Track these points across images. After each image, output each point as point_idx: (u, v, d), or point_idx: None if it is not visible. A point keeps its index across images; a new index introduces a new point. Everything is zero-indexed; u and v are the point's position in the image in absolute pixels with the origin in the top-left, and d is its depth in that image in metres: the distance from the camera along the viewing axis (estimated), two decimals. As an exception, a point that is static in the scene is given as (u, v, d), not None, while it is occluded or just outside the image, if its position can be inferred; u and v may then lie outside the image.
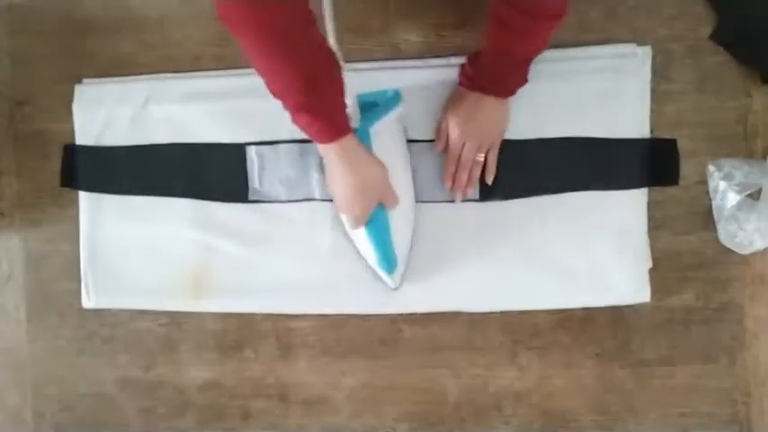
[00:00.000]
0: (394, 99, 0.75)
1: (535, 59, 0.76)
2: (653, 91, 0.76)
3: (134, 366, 0.85)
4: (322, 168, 0.79)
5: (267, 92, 0.80)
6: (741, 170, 0.74)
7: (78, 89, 0.85)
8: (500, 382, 0.80)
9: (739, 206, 0.73)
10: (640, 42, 0.76)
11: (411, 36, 0.79)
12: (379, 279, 0.78)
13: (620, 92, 0.76)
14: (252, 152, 0.81)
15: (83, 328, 0.86)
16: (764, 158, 0.75)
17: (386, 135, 0.74)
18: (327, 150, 0.66)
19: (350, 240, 0.79)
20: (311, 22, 0.59)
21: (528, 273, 0.77)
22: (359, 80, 0.78)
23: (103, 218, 0.84)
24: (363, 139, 0.69)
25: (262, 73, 0.60)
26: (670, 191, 0.77)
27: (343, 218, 0.75)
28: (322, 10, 0.65)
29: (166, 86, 0.83)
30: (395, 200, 0.72)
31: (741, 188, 0.73)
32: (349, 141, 0.65)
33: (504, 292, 0.78)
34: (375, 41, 0.80)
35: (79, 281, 0.85)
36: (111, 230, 0.84)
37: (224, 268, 0.82)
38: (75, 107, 0.85)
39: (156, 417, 0.85)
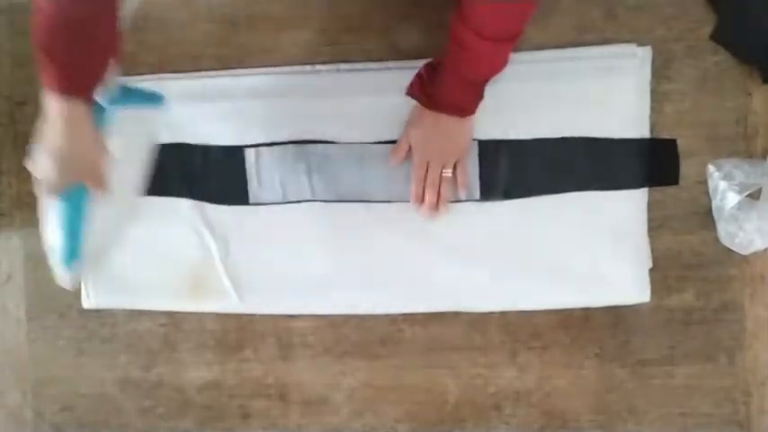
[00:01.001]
0: (156, 98, 0.73)
1: (535, 60, 0.76)
2: (653, 91, 0.76)
3: (134, 366, 0.85)
4: (320, 170, 0.79)
5: (266, 92, 0.81)
6: (741, 170, 0.74)
7: (78, 89, 0.85)
8: (500, 382, 0.80)
9: (739, 206, 0.73)
10: (640, 42, 0.76)
11: (411, 36, 0.79)
12: (381, 280, 0.78)
13: (621, 92, 0.76)
14: (251, 154, 0.81)
15: (83, 328, 0.86)
16: (764, 158, 0.75)
17: (130, 129, 0.70)
18: (53, 102, 0.59)
19: (350, 242, 0.79)
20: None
21: (528, 273, 0.77)
22: (359, 80, 0.79)
23: (103, 218, 0.84)
24: (99, 113, 0.64)
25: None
26: (670, 191, 0.77)
27: (41, 185, 0.65)
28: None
29: (166, 87, 0.83)
30: (102, 185, 0.65)
31: (741, 188, 0.73)
32: (79, 106, 0.60)
33: (505, 292, 0.78)
34: (375, 41, 0.80)
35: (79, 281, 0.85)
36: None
37: (224, 268, 0.82)
38: (75, 107, 0.85)
39: (156, 417, 0.85)
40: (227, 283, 0.82)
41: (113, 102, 0.67)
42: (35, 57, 0.58)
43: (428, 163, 0.74)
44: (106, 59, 0.62)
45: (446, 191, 0.75)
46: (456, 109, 0.70)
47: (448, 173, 0.75)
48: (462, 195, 0.76)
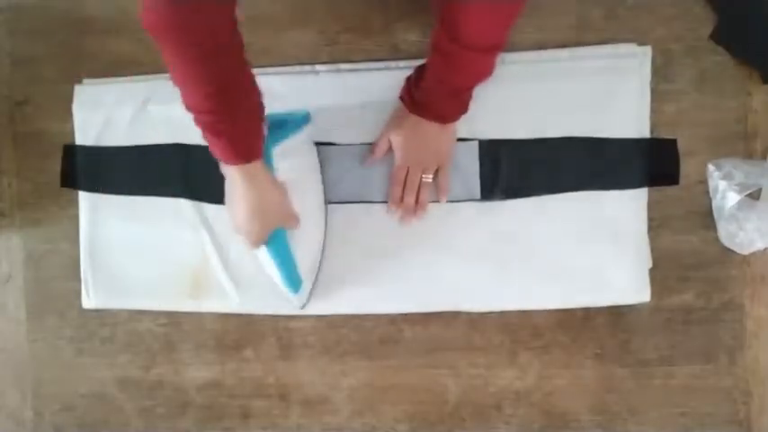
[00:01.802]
0: (302, 119, 0.75)
1: (536, 60, 0.76)
2: (653, 91, 0.76)
3: (134, 366, 0.85)
4: (321, 170, 0.79)
5: (266, 92, 0.80)
6: (741, 170, 0.74)
7: (78, 89, 0.85)
8: (500, 382, 0.80)
9: (739, 206, 0.73)
10: (640, 42, 0.76)
11: (411, 36, 0.79)
12: (381, 280, 0.78)
13: (621, 92, 0.76)
14: None
15: (83, 328, 0.86)
16: (764, 158, 0.75)
17: (294, 155, 0.73)
18: (230, 170, 0.65)
19: (350, 242, 0.79)
20: (238, 43, 0.58)
21: (528, 273, 0.77)
22: (359, 80, 0.79)
23: (103, 218, 0.84)
24: (266, 158, 0.68)
25: (177, 85, 0.59)
26: (670, 191, 0.77)
27: (241, 238, 0.71)
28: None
29: (166, 87, 0.82)
30: (295, 222, 0.71)
31: (741, 188, 0.73)
32: (256, 165, 0.64)
33: (504, 292, 0.78)
34: (375, 41, 0.80)
35: (79, 281, 0.85)
36: (111, 230, 0.84)
37: (224, 269, 0.82)
38: (75, 107, 0.85)
39: (156, 417, 0.85)
40: (227, 283, 0.82)
41: (274, 140, 0.70)
42: (204, 137, 0.61)
43: (408, 166, 0.74)
44: (261, 119, 0.65)
45: (425, 196, 0.75)
46: (436, 116, 0.70)
47: (428, 178, 0.74)
48: (443, 201, 0.76)
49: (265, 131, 0.67)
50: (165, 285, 0.83)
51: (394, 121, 0.74)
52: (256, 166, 0.65)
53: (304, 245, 0.74)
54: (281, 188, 0.69)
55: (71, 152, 0.86)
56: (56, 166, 0.86)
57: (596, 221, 0.76)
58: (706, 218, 0.76)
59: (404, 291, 0.79)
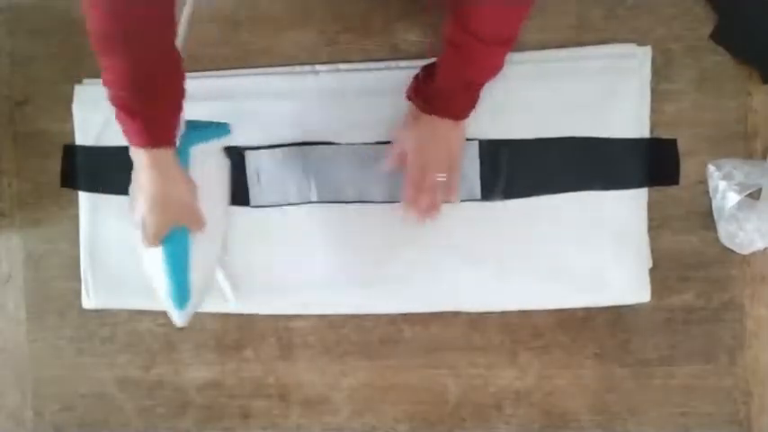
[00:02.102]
0: (222, 128, 0.75)
1: (536, 60, 0.76)
2: (653, 91, 0.76)
3: (134, 366, 0.85)
4: (321, 172, 0.79)
5: (266, 92, 0.81)
6: (741, 170, 0.74)
7: (78, 89, 0.85)
8: (500, 382, 0.80)
9: (739, 206, 0.73)
10: (640, 42, 0.76)
11: (411, 36, 0.79)
12: (381, 280, 0.78)
13: (620, 92, 0.76)
14: (251, 157, 0.81)
15: (83, 328, 0.86)
16: (764, 158, 0.75)
17: (207, 161, 0.72)
18: (139, 154, 0.63)
19: (351, 242, 0.79)
20: (168, 23, 0.58)
21: (528, 273, 0.77)
22: (359, 80, 0.79)
23: (103, 218, 0.84)
24: (181, 156, 0.67)
25: (100, 61, 0.59)
26: (670, 191, 0.77)
27: (139, 233, 0.69)
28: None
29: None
30: (200, 224, 0.69)
31: (741, 188, 0.73)
32: (165, 153, 0.63)
33: (504, 292, 0.78)
34: (375, 41, 0.80)
35: (79, 281, 0.85)
36: (111, 230, 0.84)
37: (224, 269, 0.82)
38: (75, 107, 0.85)
39: (156, 417, 0.85)
40: (226, 283, 0.82)
41: (187, 141, 0.69)
42: (117, 117, 0.61)
43: (422, 167, 0.74)
44: (180, 105, 0.64)
45: (440, 196, 0.75)
46: (450, 113, 0.69)
47: (442, 177, 0.74)
48: (455, 201, 0.76)
49: (183, 129, 0.67)
50: (165, 285, 0.83)
51: (406, 124, 0.73)
52: (167, 153, 0.63)
53: (200, 258, 0.71)
54: (190, 184, 0.68)
55: (71, 152, 0.86)
56: (56, 166, 0.86)
57: (596, 221, 0.76)
58: (706, 218, 0.76)
59: (404, 291, 0.79)
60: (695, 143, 0.76)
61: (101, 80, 0.60)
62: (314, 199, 0.80)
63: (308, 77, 0.80)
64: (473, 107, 0.70)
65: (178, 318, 0.72)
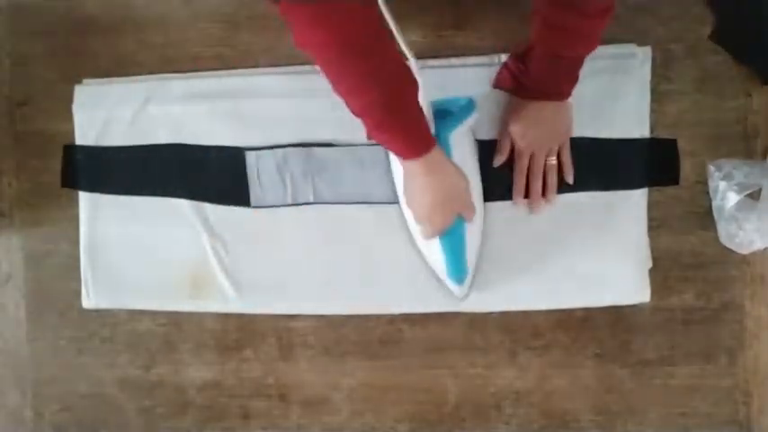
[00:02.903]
0: (468, 107, 0.73)
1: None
2: (653, 91, 0.76)
3: (134, 366, 0.85)
4: (321, 172, 0.79)
5: (266, 92, 0.81)
6: (741, 170, 0.74)
7: (78, 89, 0.85)
8: (500, 382, 0.80)
9: (739, 206, 0.73)
10: (640, 42, 0.76)
11: (411, 36, 0.79)
12: (381, 280, 0.78)
13: (620, 92, 0.76)
14: (252, 158, 0.81)
15: (83, 328, 0.86)
16: (764, 158, 0.75)
17: (460, 142, 0.72)
18: (411, 164, 0.64)
19: (351, 243, 0.79)
20: (383, 35, 0.58)
21: (528, 273, 0.77)
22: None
23: (103, 218, 0.84)
24: (444, 147, 0.67)
25: (341, 94, 0.59)
26: (670, 191, 0.77)
27: (415, 228, 0.73)
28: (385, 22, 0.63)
29: (166, 87, 0.83)
30: (473, 212, 0.71)
31: (741, 188, 0.73)
32: (434, 154, 0.64)
33: (504, 292, 0.78)
34: (375, 41, 0.80)
35: (79, 281, 0.85)
36: (111, 230, 0.84)
37: (224, 269, 0.82)
38: (75, 107, 0.85)
39: (156, 417, 0.85)
40: (226, 283, 0.82)
41: (445, 129, 0.69)
42: (375, 137, 0.62)
43: (532, 153, 0.73)
44: (417, 102, 0.63)
45: (553, 179, 0.74)
46: (556, 93, 0.69)
47: (553, 160, 0.74)
48: (570, 180, 0.75)
49: (431, 117, 0.67)
50: (165, 285, 0.83)
51: (511, 115, 0.73)
52: (436, 153, 0.64)
53: (471, 235, 0.73)
54: (463, 175, 0.69)
55: (71, 152, 0.85)
56: (56, 166, 0.86)
57: (596, 222, 0.76)
58: (706, 218, 0.76)
59: (404, 291, 0.79)
60: (695, 143, 0.76)
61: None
62: (314, 200, 0.80)
63: (309, 77, 0.80)
64: (576, 83, 0.69)
65: (459, 292, 0.75)
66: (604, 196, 0.76)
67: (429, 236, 0.70)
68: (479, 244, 0.77)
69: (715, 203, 0.76)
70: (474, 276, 0.76)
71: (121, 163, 0.84)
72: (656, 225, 0.77)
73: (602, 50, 0.76)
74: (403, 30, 0.80)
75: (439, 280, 0.77)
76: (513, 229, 0.77)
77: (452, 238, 0.70)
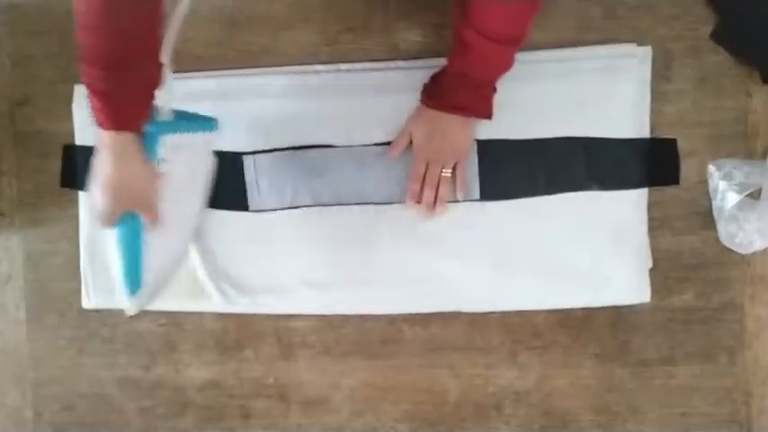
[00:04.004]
0: (208, 123, 0.73)
1: (536, 60, 0.76)
2: (653, 91, 0.76)
3: (134, 366, 0.85)
4: (319, 174, 0.79)
5: (266, 93, 0.81)
6: (741, 170, 0.74)
7: (78, 89, 0.85)
8: (500, 382, 0.80)
9: (739, 206, 0.73)
10: (640, 42, 0.76)
11: (411, 36, 0.79)
12: (381, 280, 0.78)
13: (621, 92, 0.76)
14: (250, 162, 0.81)
15: (83, 328, 0.86)
16: (764, 158, 0.75)
17: (183, 153, 0.70)
18: (102, 135, 0.63)
19: (351, 243, 0.79)
20: (153, 8, 0.58)
21: (528, 273, 0.77)
22: (359, 80, 0.79)
23: (103, 218, 0.84)
24: (150, 142, 0.66)
25: (79, 37, 0.58)
26: (670, 191, 0.77)
27: (96, 216, 0.68)
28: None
29: (166, 87, 0.83)
30: (152, 215, 0.68)
31: (741, 188, 0.73)
32: (126, 138, 0.63)
33: (504, 292, 0.78)
34: (375, 41, 0.80)
35: (79, 281, 0.85)
36: (111, 230, 0.84)
37: (224, 269, 0.82)
38: (75, 107, 0.85)
39: (156, 417, 0.85)
40: (226, 284, 0.81)
41: (164, 129, 0.68)
42: (88, 95, 0.61)
43: (428, 162, 0.74)
44: (151, 91, 0.64)
45: (445, 191, 0.75)
46: (456, 108, 0.70)
47: (447, 173, 0.74)
48: (460, 197, 0.76)
49: (163, 117, 0.67)
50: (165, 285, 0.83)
51: (414, 118, 0.74)
52: (128, 138, 0.63)
53: (159, 250, 0.70)
54: (150, 173, 0.67)
55: (71, 152, 0.85)
56: (56, 166, 0.86)
57: (596, 222, 0.76)
58: (706, 218, 0.76)
59: (404, 291, 0.79)
60: (695, 143, 0.76)
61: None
62: (312, 202, 0.80)
63: (308, 77, 0.80)
64: (483, 104, 0.70)
65: (128, 303, 0.70)
66: (604, 196, 0.76)
67: (101, 222, 0.66)
68: (172, 264, 0.75)
69: (715, 203, 0.76)
70: (153, 295, 0.72)
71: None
72: (656, 225, 0.77)
73: (602, 50, 0.76)
74: (403, 29, 0.80)
75: (439, 279, 0.78)
76: (513, 229, 0.77)
77: (125, 235, 0.67)
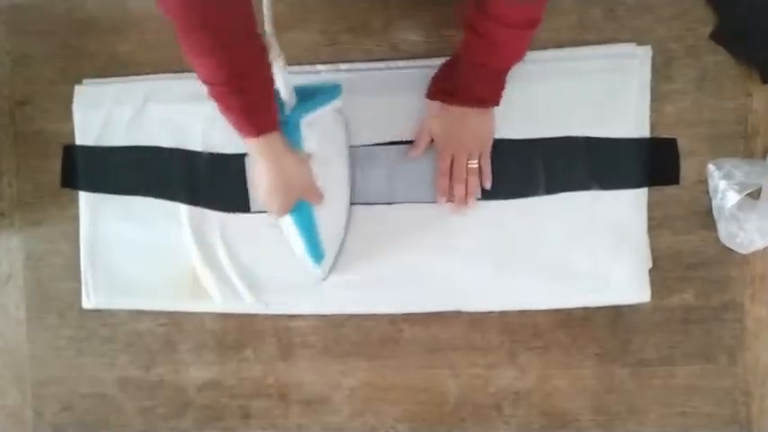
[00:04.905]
0: (333, 91, 0.74)
1: (536, 60, 0.76)
2: (653, 91, 0.76)
3: (134, 366, 0.85)
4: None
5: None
6: (741, 170, 0.74)
7: (78, 89, 0.85)
8: (500, 382, 0.80)
9: (739, 206, 0.73)
10: (640, 42, 0.76)
11: (411, 36, 0.79)
12: (381, 280, 0.78)
13: (620, 92, 0.76)
14: (252, 163, 0.81)
15: (83, 328, 0.86)
16: (764, 158, 0.75)
17: (321, 127, 0.72)
18: (250, 144, 0.65)
19: (351, 243, 0.79)
20: (248, 10, 0.58)
21: (528, 273, 0.77)
22: (359, 80, 0.79)
23: (103, 218, 0.84)
24: (293, 129, 0.68)
25: (187, 54, 0.59)
26: (670, 190, 0.77)
27: (271, 214, 0.73)
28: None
29: (166, 87, 0.83)
30: (318, 197, 0.71)
31: (741, 188, 0.73)
32: (271, 138, 0.64)
33: (504, 292, 0.78)
34: (375, 41, 0.80)
35: (79, 281, 0.85)
36: (111, 230, 0.84)
37: (224, 268, 0.82)
38: (75, 107, 0.85)
39: (156, 417, 0.85)
40: (226, 283, 0.82)
41: (298, 114, 0.69)
42: (220, 111, 0.62)
43: (452, 155, 0.74)
44: (271, 86, 0.64)
45: (474, 183, 0.75)
46: (477, 100, 0.70)
47: (474, 164, 0.74)
48: (487, 186, 0.76)
49: (293, 102, 0.68)
50: (165, 285, 0.83)
51: (434, 115, 0.73)
52: (273, 137, 0.64)
53: (328, 218, 0.74)
54: (302, 162, 0.69)
55: (71, 152, 0.86)
56: (56, 166, 0.86)
57: (596, 222, 0.76)
58: (706, 218, 0.76)
59: (404, 291, 0.79)
60: (695, 143, 0.76)
61: (195, 76, 0.60)
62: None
63: (309, 77, 0.80)
64: (501, 92, 0.70)
65: (319, 272, 0.76)
66: (604, 196, 0.76)
67: (276, 215, 0.71)
68: (342, 231, 0.78)
69: (715, 203, 0.76)
70: (336, 261, 0.78)
71: (121, 163, 0.84)
72: (656, 225, 0.77)
73: (602, 50, 0.76)
74: (403, 29, 0.80)
75: (439, 279, 0.78)
76: (513, 229, 0.77)
77: (301, 219, 0.70)
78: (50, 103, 0.86)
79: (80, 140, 0.85)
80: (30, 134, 0.87)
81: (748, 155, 0.76)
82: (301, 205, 0.70)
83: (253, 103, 0.62)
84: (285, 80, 0.65)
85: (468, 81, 0.68)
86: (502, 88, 0.70)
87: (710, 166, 0.76)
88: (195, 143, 0.82)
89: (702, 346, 0.77)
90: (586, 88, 0.76)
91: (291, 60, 0.80)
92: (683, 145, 0.76)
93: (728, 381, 0.77)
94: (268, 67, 0.63)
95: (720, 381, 0.77)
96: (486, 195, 0.77)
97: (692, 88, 0.76)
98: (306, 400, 0.83)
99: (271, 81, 0.64)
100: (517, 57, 0.67)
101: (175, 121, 0.82)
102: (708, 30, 0.75)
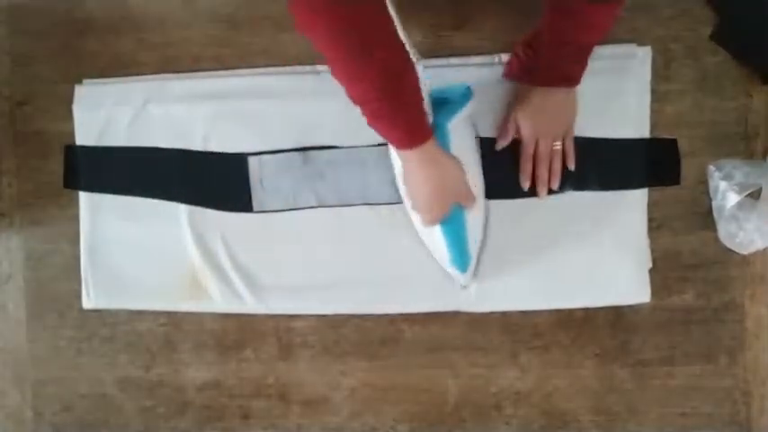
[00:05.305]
0: (466, 94, 0.73)
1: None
2: (653, 91, 0.76)
3: (134, 366, 0.85)
4: (323, 175, 0.79)
5: (267, 93, 0.81)
6: (741, 170, 0.74)
7: (78, 89, 0.85)
8: (500, 382, 0.80)
9: (739, 206, 0.73)
10: (640, 42, 0.76)
11: (411, 36, 0.79)
12: (382, 280, 0.78)
13: (620, 92, 0.76)
14: (254, 163, 0.81)
15: (83, 328, 0.86)
16: (764, 158, 0.75)
17: (459, 132, 0.72)
18: (407, 155, 0.65)
19: (351, 243, 0.79)
20: (384, 23, 0.57)
21: (528, 273, 0.77)
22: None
23: (103, 218, 0.84)
24: (442, 136, 0.68)
25: (339, 79, 0.58)
26: (670, 191, 0.77)
27: (415, 217, 0.74)
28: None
29: (166, 87, 0.83)
30: (472, 199, 0.71)
31: (741, 188, 0.73)
32: (429, 146, 0.64)
33: (504, 291, 0.78)
34: (375, 41, 0.80)
35: (79, 281, 0.85)
36: (111, 230, 0.84)
37: (224, 269, 0.82)
38: (76, 107, 0.85)
39: (156, 417, 0.85)
40: (226, 284, 0.81)
41: (443, 118, 0.69)
42: (373, 126, 0.61)
43: (538, 139, 0.74)
44: (420, 93, 0.63)
45: (558, 164, 0.75)
46: (565, 79, 0.70)
47: (558, 145, 0.74)
48: (572, 167, 0.75)
49: (430, 106, 0.67)
50: (165, 285, 0.83)
51: (518, 99, 0.73)
52: (431, 144, 0.64)
53: (472, 223, 0.74)
54: (458, 165, 0.69)
55: (72, 152, 0.85)
56: (56, 166, 0.86)
57: (596, 222, 0.76)
58: (706, 218, 0.76)
59: (404, 291, 0.79)
60: (695, 143, 0.76)
61: (348, 97, 0.59)
62: (316, 203, 0.80)
63: (309, 77, 0.80)
64: (584, 70, 0.69)
65: (463, 279, 0.76)
66: (604, 196, 0.76)
67: (428, 225, 0.71)
68: (482, 233, 0.77)
69: (715, 203, 0.76)
70: (477, 266, 0.77)
71: (122, 163, 0.84)
72: (656, 225, 0.77)
73: (602, 50, 0.76)
74: (403, 29, 0.80)
75: (440, 279, 0.78)
76: (513, 229, 0.77)
77: (453, 226, 0.71)
78: (50, 103, 0.86)
79: (80, 140, 0.85)
80: (30, 134, 0.87)
81: (748, 156, 0.76)
82: (454, 212, 0.70)
83: (407, 114, 0.62)
84: (423, 86, 0.65)
85: (552, 60, 0.68)
86: (586, 65, 0.69)
87: (710, 167, 0.76)
88: (195, 143, 0.82)
89: (702, 347, 0.77)
90: (586, 88, 0.75)
91: (291, 60, 0.81)
92: (683, 145, 0.76)
93: (728, 381, 0.77)
94: (415, 73, 0.62)
95: (720, 381, 0.77)
96: (487, 195, 0.77)
97: (692, 89, 0.76)
98: (306, 400, 0.83)
99: (417, 85, 0.63)
100: (604, 31, 0.66)
101: (176, 122, 0.82)
102: (708, 30, 0.75)
